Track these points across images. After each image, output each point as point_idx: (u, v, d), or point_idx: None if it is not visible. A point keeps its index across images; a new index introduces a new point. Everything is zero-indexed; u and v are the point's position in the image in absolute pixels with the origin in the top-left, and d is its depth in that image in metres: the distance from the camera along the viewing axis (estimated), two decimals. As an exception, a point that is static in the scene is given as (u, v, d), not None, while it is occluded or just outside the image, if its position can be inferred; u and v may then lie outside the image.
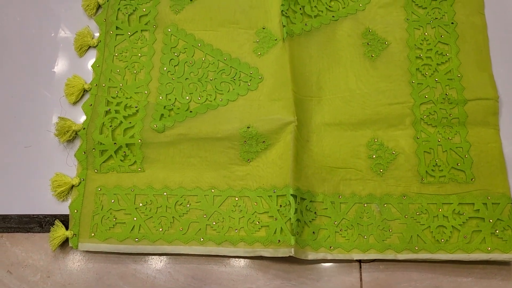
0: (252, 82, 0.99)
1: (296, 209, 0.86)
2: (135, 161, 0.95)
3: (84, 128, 0.96)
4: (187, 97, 0.99)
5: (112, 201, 0.92)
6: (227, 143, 0.94)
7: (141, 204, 0.92)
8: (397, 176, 0.92)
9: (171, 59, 1.02)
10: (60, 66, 1.05)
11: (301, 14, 1.03)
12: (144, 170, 0.95)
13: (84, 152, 0.95)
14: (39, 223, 0.93)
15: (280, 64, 0.99)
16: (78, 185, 0.94)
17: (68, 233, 0.90)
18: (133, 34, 1.05)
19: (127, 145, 0.95)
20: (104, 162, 0.95)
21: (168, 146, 0.95)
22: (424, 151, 0.93)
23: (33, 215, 0.94)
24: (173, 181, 0.93)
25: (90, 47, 1.06)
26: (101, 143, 0.95)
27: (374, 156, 0.94)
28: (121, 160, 0.95)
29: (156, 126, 0.94)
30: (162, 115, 0.96)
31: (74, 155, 0.96)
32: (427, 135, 0.94)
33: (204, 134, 0.94)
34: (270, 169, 0.92)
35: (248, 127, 0.93)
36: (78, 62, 1.05)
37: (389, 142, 0.95)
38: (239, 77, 1.00)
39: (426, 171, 0.92)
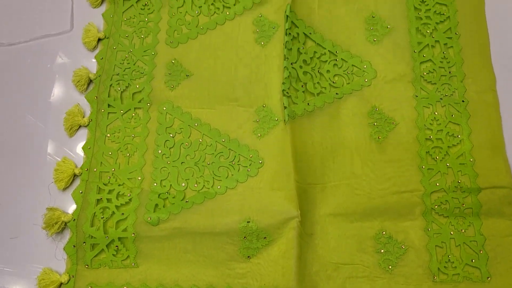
0: (252, 167, 0.94)
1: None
2: (128, 256, 0.89)
3: (74, 220, 0.91)
4: (183, 184, 0.93)
5: (103, 300, 0.87)
6: (225, 239, 0.88)
7: (134, 305, 0.86)
8: (407, 273, 0.86)
9: (166, 141, 0.97)
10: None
11: (303, 92, 0.98)
12: (137, 265, 0.89)
13: (74, 246, 0.90)
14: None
15: (281, 148, 0.93)
16: (67, 283, 0.88)
17: None
18: (126, 112, 1.00)
19: (119, 239, 0.89)
20: (95, 256, 0.90)
21: (163, 241, 0.89)
22: (435, 245, 0.88)
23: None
24: (168, 278, 0.88)
25: (80, 126, 1.00)
26: (92, 236, 0.89)
27: (382, 251, 0.88)
28: (113, 254, 0.89)
29: (150, 218, 0.89)
30: (156, 205, 0.91)
31: (63, 248, 0.90)
32: (438, 227, 0.89)
33: (201, 229, 0.88)
34: (272, 268, 0.87)
35: (248, 222, 0.87)
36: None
37: (398, 234, 0.89)
38: (238, 161, 0.94)
39: (438, 268, 0.86)
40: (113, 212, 0.91)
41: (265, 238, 0.88)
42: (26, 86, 1.04)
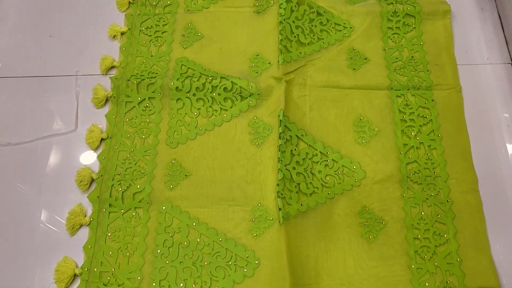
0: (248, 267, 0.97)
1: None
2: None
3: (73, 323, 0.92)
4: (181, 284, 0.96)
5: None
6: None
7: None
8: None
9: (165, 240, 1.00)
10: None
11: (297, 192, 1.02)
12: None
13: None
14: None
15: (276, 248, 0.97)
16: None
17: None
18: (127, 211, 1.04)
19: None
20: None
21: None
22: None
23: None
24: None
25: (82, 225, 1.04)
26: None
27: None
28: None
29: (149, 322, 0.90)
30: (155, 307, 0.93)
31: None
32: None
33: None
34: None
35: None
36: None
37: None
38: (234, 261, 0.98)
39: None
40: (113, 315, 0.93)
41: None
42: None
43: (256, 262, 0.97)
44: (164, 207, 1.03)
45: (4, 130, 1.15)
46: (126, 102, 1.15)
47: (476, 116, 1.13)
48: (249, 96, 1.13)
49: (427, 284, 0.94)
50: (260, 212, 1.02)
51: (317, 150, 1.08)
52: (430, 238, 0.99)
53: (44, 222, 1.04)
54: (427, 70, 1.16)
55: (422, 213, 1.01)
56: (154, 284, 0.96)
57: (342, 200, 1.03)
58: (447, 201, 1.02)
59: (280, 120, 1.07)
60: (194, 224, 1.02)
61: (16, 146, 1.13)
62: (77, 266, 0.99)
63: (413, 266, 0.96)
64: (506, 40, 1.21)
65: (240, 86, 1.13)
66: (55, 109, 1.17)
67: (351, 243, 0.99)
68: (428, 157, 1.06)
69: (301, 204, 1.01)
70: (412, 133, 1.09)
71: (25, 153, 1.12)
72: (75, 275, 0.99)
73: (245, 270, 0.97)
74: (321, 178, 1.05)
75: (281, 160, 1.04)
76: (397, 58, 1.18)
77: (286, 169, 1.04)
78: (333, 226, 1.01)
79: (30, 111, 1.17)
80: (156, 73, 1.17)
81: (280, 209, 0.99)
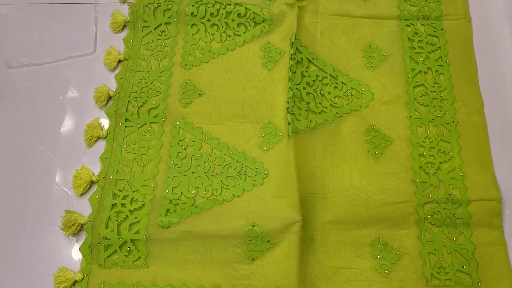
0: (258, 177, 1.01)
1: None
2: (139, 257, 0.95)
3: (90, 222, 0.97)
4: (193, 191, 1.00)
5: (115, 298, 0.92)
6: (232, 241, 0.94)
7: (144, 303, 0.91)
8: (402, 277, 0.92)
9: (178, 152, 1.04)
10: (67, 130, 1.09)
11: (306, 110, 1.06)
12: (148, 266, 0.94)
13: (89, 246, 0.95)
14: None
15: (285, 160, 1.01)
16: (81, 281, 0.93)
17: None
18: (142, 126, 1.08)
19: (132, 240, 0.95)
20: (108, 257, 0.95)
21: (172, 243, 0.95)
22: (429, 252, 0.93)
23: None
24: (177, 278, 0.93)
25: (99, 138, 1.08)
26: (106, 237, 0.95)
27: (378, 256, 0.94)
28: (125, 255, 0.95)
29: (162, 222, 0.95)
30: (167, 210, 0.97)
31: (79, 249, 0.96)
32: (431, 235, 0.95)
33: (209, 232, 0.94)
34: (275, 269, 0.92)
35: (253, 226, 0.93)
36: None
37: (394, 242, 0.95)
38: (245, 172, 1.02)
39: (431, 273, 0.91)
40: (127, 216, 0.97)
41: (268, 241, 0.94)
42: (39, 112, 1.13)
43: (265, 172, 1.01)
44: (178, 123, 1.07)
45: (26, 53, 1.19)
46: (143, 27, 1.19)
47: (485, 46, 1.15)
48: (262, 22, 1.17)
49: (430, 196, 0.97)
50: (270, 129, 1.06)
51: (327, 73, 1.11)
52: (434, 155, 1.02)
53: (63, 136, 1.09)
54: (437, 1, 1.18)
55: (428, 132, 1.04)
56: (167, 191, 1.00)
57: (350, 118, 1.06)
58: (453, 121, 1.05)
59: (292, 43, 1.10)
60: (206, 138, 1.06)
61: (38, 67, 1.17)
62: (94, 174, 1.03)
63: (417, 180, 0.99)
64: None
65: (253, 12, 1.17)
66: (74, 34, 1.21)
67: (358, 157, 1.02)
68: (435, 81, 1.09)
69: (310, 121, 1.05)
70: (420, 59, 1.12)
71: (46, 74, 1.17)
72: (92, 182, 1.03)
73: (255, 179, 1.01)
74: (330, 99, 1.08)
75: (292, 79, 1.07)
76: (407, -12, 1.20)
77: (297, 88, 1.07)
78: (340, 141, 1.04)
79: (50, 36, 1.21)
80: (172, 0, 1.21)
81: (289, 123, 1.02)
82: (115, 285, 0.93)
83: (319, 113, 1.06)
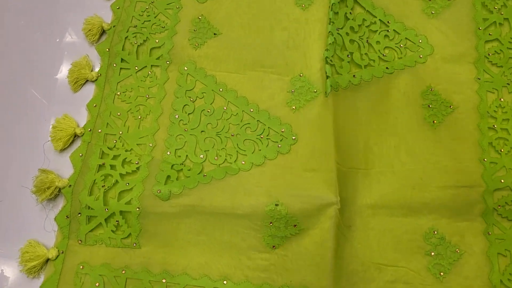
0: (283, 143, 0.80)
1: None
2: (129, 234, 0.75)
3: (70, 186, 0.77)
4: (202, 156, 0.79)
5: (97, 284, 0.72)
6: (247, 223, 0.74)
7: (132, 293, 0.72)
8: (462, 283, 0.73)
9: (185, 105, 0.83)
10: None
11: (349, 62, 0.84)
12: (140, 246, 0.75)
13: (67, 217, 0.76)
14: (0, 306, 0.74)
15: (319, 124, 0.80)
16: (55, 259, 0.74)
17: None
18: (141, 69, 0.87)
19: (121, 212, 0.75)
20: (91, 231, 0.76)
21: (172, 219, 0.75)
22: (498, 253, 0.74)
23: (-6, 294, 0.74)
24: (175, 264, 0.74)
25: (87, 81, 0.87)
26: (89, 207, 0.75)
27: (432, 253, 0.74)
28: (112, 231, 0.75)
29: (160, 191, 0.75)
30: (168, 177, 0.77)
31: (55, 219, 0.76)
32: (501, 232, 0.75)
33: (219, 209, 0.74)
34: (301, 262, 0.72)
35: (277, 205, 0.73)
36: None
37: (452, 236, 0.75)
38: (267, 135, 0.81)
39: (501, 280, 0.72)
40: (117, 181, 0.77)
41: (295, 226, 0.73)
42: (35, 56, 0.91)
43: (294, 137, 0.80)
44: (186, 68, 0.86)
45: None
46: None
47: None
48: None
49: (502, 181, 0.77)
50: (302, 83, 0.84)
51: (376, 17, 0.89)
52: (509, 129, 0.81)
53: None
54: None
55: (501, 99, 0.83)
56: (168, 153, 0.79)
57: (402, 76, 0.85)
58: (533, 88, 0.83)
59: (335, -25, 0.87)
60: (220, 90, 0.84)
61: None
62: (78, 126, 0.82)
63: (485, 160, 0.78)
64: None
65: None
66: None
67: (411, 125, 0.82)
68: (514, 36, 0.87)
69: (353, 76, 0.83)
70: (496, 7, 0.89)
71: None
72: (75, 135, 0.82)
73: (280, 145, 0.80)
74: (379, 50, 0.86)
75: (333, 22, 0.85)
76: None
77: (338, 33, 0.85)
78: (390, 104, 0.83)
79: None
80: None
81: (328, 77, 0.81)
82: (97, 267, 0.74)
83: (365, 66, 0.84)
